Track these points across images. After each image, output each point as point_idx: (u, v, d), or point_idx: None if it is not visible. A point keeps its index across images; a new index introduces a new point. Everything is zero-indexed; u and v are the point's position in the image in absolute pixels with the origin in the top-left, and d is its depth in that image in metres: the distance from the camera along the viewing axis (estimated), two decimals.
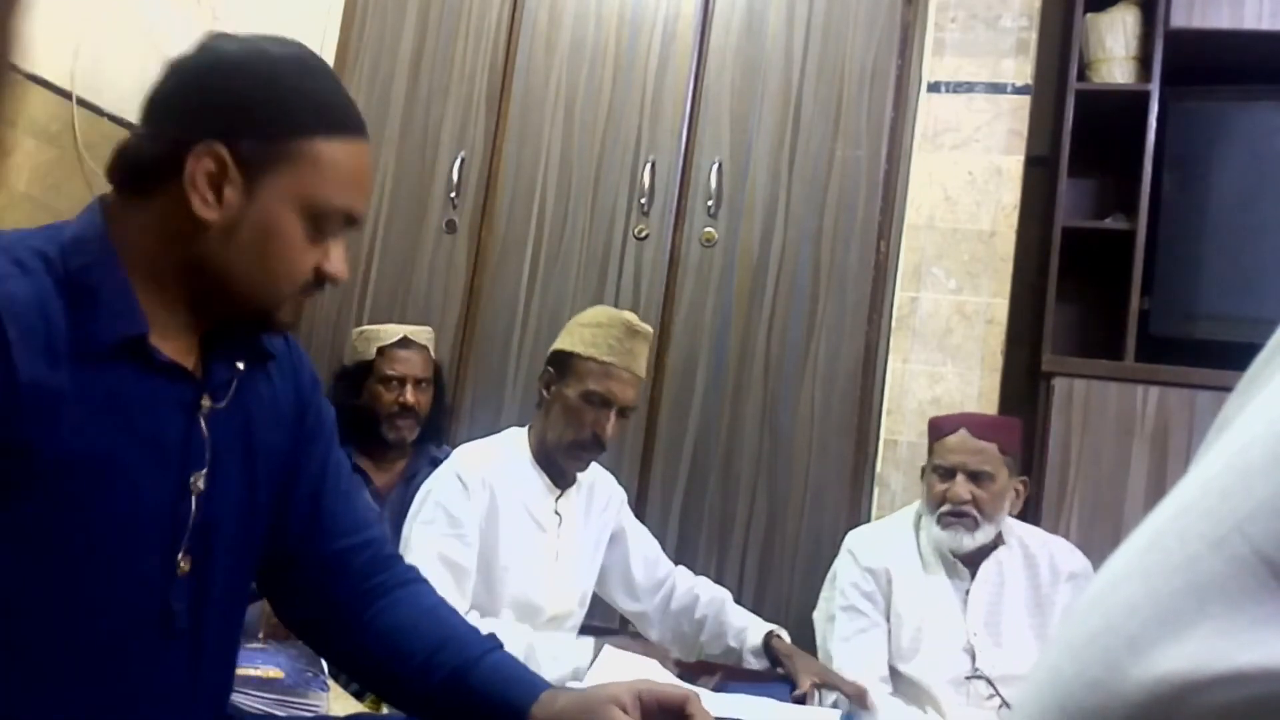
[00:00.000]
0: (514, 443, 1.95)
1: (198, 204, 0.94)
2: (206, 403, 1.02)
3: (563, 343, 1.91)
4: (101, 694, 0.96)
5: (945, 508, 2.02)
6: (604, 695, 1.06)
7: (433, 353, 2.55)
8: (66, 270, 0.93)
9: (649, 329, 1.92)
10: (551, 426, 1.88)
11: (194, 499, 1.00)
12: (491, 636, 1.14)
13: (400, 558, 1.22)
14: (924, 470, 2.17)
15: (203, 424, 1.01)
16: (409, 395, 2.42)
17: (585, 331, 1.88)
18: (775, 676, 1.82)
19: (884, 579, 2.07)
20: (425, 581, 1.21)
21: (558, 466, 1.91)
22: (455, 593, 1.75)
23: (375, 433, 2.43)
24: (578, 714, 1.03)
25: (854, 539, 2.18)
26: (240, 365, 1.05)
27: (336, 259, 1.02)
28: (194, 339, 1.03)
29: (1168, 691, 0.28)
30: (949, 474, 2.04)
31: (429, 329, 2.60)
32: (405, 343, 2.48)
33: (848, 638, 2.06)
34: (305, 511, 1.14)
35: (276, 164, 0.95)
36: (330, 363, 2.93)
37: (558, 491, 1.93)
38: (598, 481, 2.04)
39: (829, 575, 2.27)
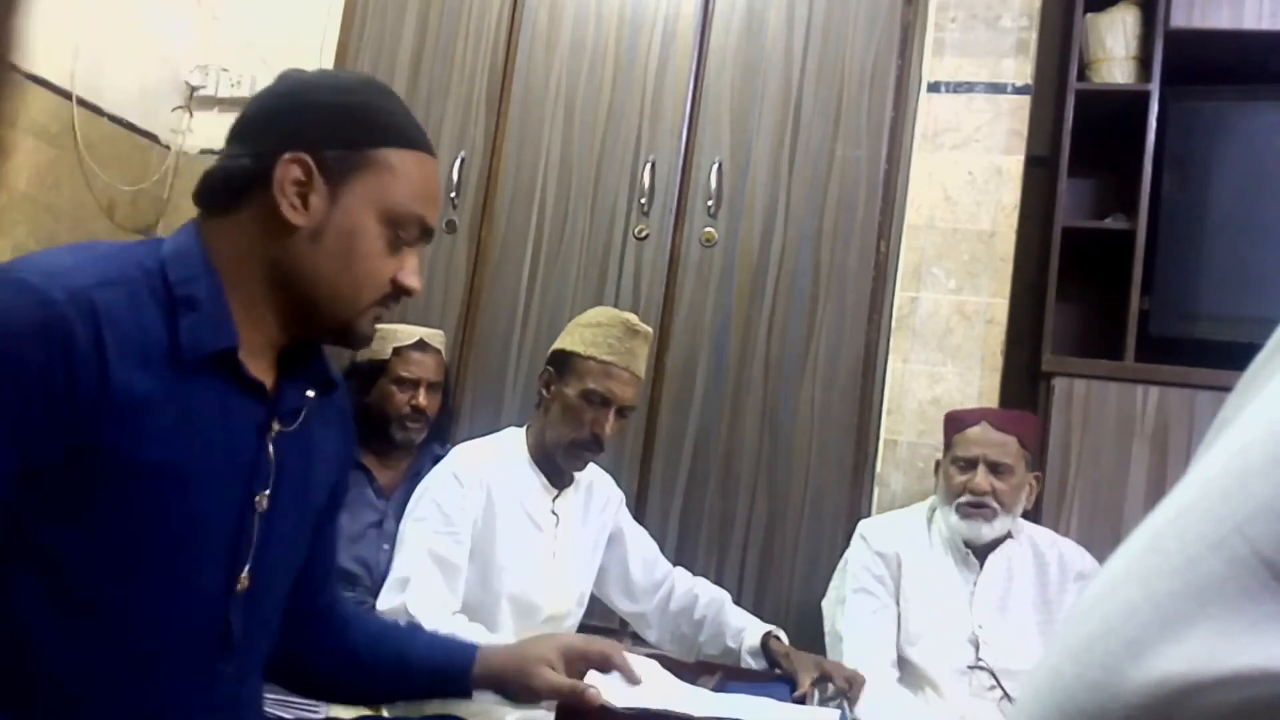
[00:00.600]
0: (511, 442, 1.95)
1: (286, 209, 0.99)
2: (276, 425, 1.05)
3: (562, 343, 1.91)
4: (157, 704, 0.97)
5: (965, 498, 2.04)
6: (533, 654, 1.20)
7: (444, 356, 2.55)
8: (166, 282, 0.97)
9: (648, 329, 1.92)
10: (551, 426, 1.88)
11: (257, 517, 1.03)
12: (411, 623, 1.32)
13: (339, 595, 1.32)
14: (937, 465, 2.18)
15: (270, 445, 1.04)
16: (421, 398, 2.42)
17: (585, 331, 1.88)
18: (775, 676, 1.82)
19: (894, 563, 2.10)
20: (341, 605, 1.31)
21: (555, 466, 1.92)
22: (445, 589, 1.75)
23: (383, 431, 2.43)
24: (513, 671, 1.18)
25: (866, 525, 2.21)
26: (310, 394, 1.09)
27: (411, 270, 1.06)
28: (273, 360, 1.06)
29: (1167, 693, 0.28)
30: (970, 465, 2.06)
31: (442, 333, 2.60)
32: (421, 345, 2.47)
33: (859, 620, 2.08)
34: (323, 565, 1.22)
35: (358, 171, 1.01)
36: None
37: (555, 491, 1.93)
38: (596, 482, 2.05)
39: (840, 563, 2.29)
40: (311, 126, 1.01)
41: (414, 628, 1.30)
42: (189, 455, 0.96)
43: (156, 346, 0.94)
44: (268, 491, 1.04)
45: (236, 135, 1.05)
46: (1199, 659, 0.27)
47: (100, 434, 0.90)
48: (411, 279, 1.06)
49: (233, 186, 1.02)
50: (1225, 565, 0.28)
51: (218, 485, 0.99)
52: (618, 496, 2.09)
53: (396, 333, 2.49)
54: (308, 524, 1.14)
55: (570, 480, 1.96)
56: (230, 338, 0.99)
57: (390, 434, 2.42)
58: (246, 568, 1.02)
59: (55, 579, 0.92)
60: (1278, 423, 0.29)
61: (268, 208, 1.00)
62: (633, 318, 1.89)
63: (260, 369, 1.03)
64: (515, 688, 1.21)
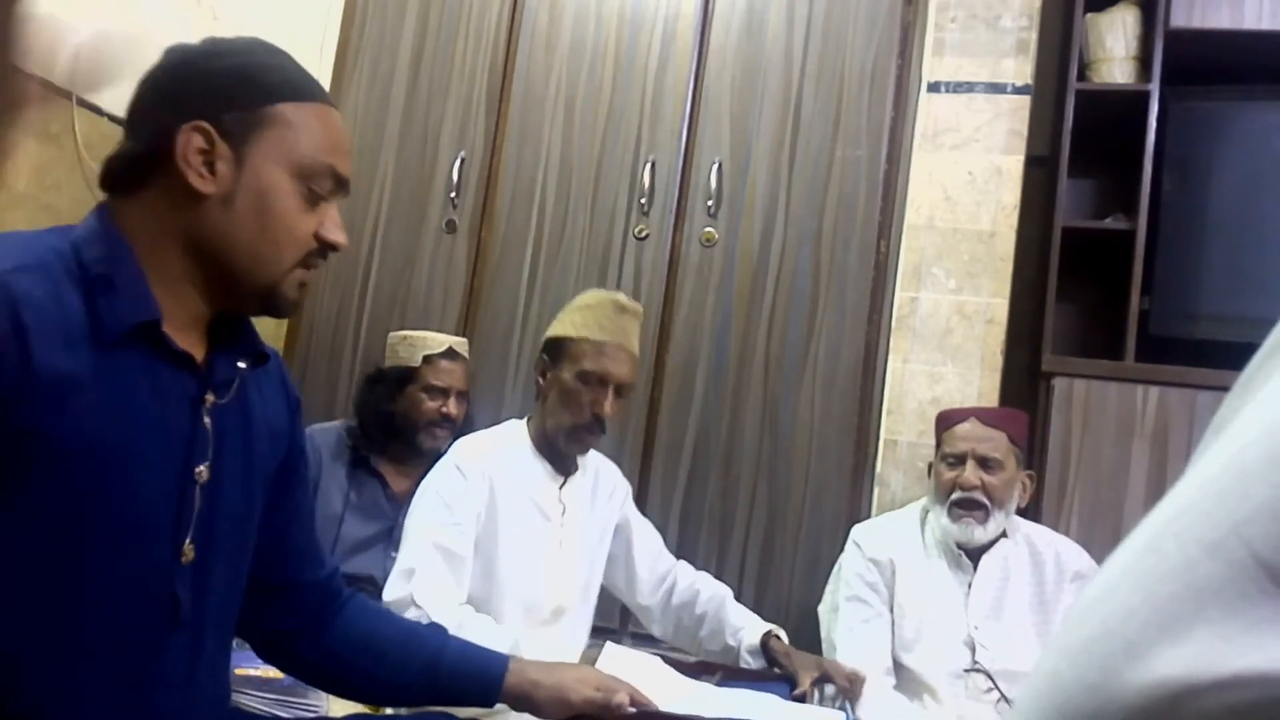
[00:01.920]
0: (514, 433, 1.95)
1: (194, 178, 0.99)
2: (210, 397, 1.04)
3: (554, 329, 1.92)
4: (107, 679, 0.98)
5: (956, 495, 2.03)
6: (573, 675, 1.29)
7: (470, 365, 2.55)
8: (80, 263, 0.97)
9: (638, 306, 1.93)
10: (551, 413, 1.88)
11: (198, 489, 1.03)
12: (435, 625, 1.34)
13: (343, 578, 1.33)
14: (930, 466, 2.18)
15: (206, 417, 1.04)
16: (451, 406, 2.41)
17: (575, 315, 1.89)
18: (775, 676, 1.82)
19: (888, 570, 2.09)
20: (362, 594, 1.33)
21: (559, 453, 1.91)
22: (451, 581, 1.75)
23: (406, 438, 2.42)
24: (549, 686, 1.25)
25: (859, 531, 2.20)
26: (242, 365, 1.09)
27: (332, 224, 1.06)
28: (201, 333, 1.06)
29: (1165, 695, 0.28)
30: (959, 461, 2.05)
31: (467, 340, 2.59)
32: (451, 354, 2.46)
33: (852, 628, 2.07)
34: (298, 537, 1.23)
35: (258, 131, 1.01)
36: (329, 362, 2.94)
37: (561, 479, 1.93)
38: (602, 470, 2.04)
39: (835, 568, 2.29)
40: (205, 94, 1.00)
41: (445, 632, 1.32)
42: (121, 432, 0.96)
43: (78, 326, 0.94)
44: (207, 463, 1.04)
45: (132, 117, 1.04)
46: (1197, 661, 0.27)
47: (28, 418, 0.90)
48: (335, 233, 1.06)
49: (136, 167, 1.01)
50: (1223, 567, 0.28)
51: (154, 459, 0.99)
52: (624, 487, 2.08)
53: (426, 340, 2.48)
54: (256, 494, 1.14)
55: (575, 467, 1.95)
56: (151, 311, 0.98)
57: (416, 441, 2.41)
58: (189, 539, 1.02)
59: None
60: (1274, 424, 0.29)
61: (175, 181, 0.99)
62: (621, 296, 1.90)
63: (188, 342, 1.03)
64: (545, 700, 1.26)
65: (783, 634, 1.93)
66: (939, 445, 2.13)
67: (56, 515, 0.93)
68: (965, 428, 2.08)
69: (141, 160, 1.01)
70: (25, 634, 0.93)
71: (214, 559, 1.06)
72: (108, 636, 0.97)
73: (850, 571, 2.14)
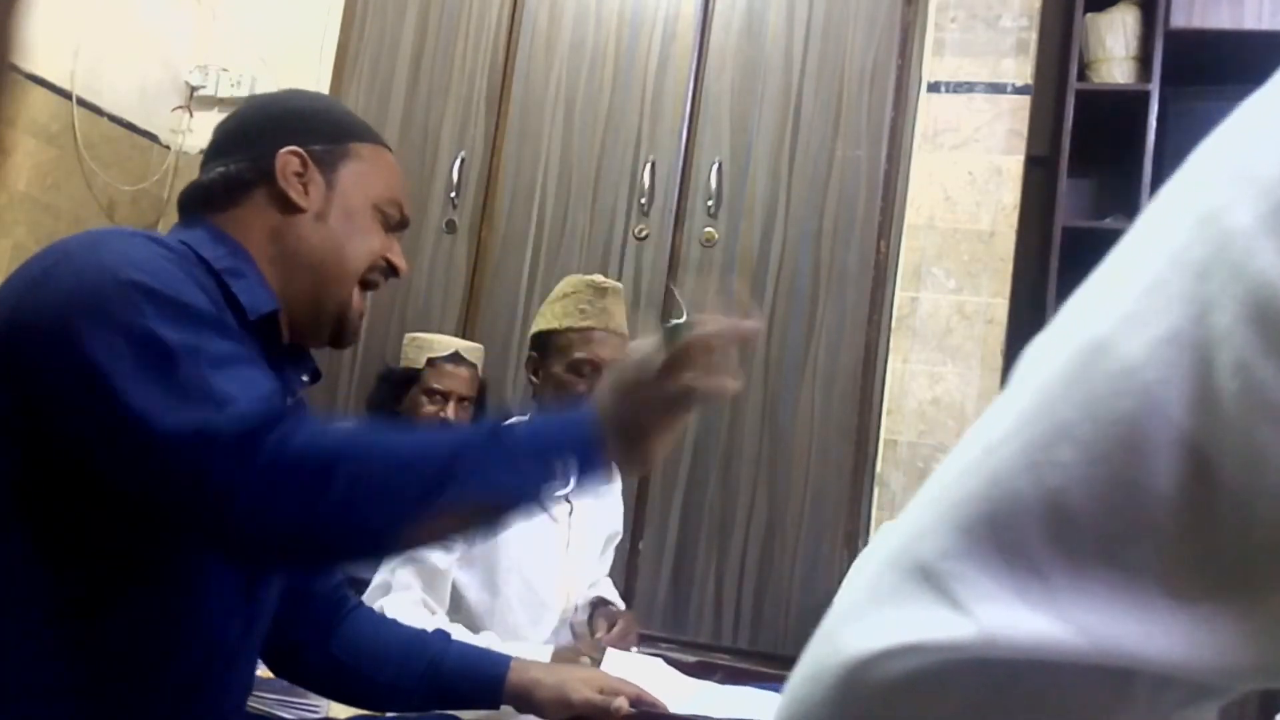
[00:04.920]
0: None
1: (295, 194, 1.09)
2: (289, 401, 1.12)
3: (538, 324, 1.89)
4: (178, 648, 1.02)
5: None
6: (576, 675, 1.32)
7: (480, 371, 2.49)
8: (201, 259, 1.03)
9: (617, 284, 1.90)
10: (549, 409, 1.86)
11: None
12: (440, 630, 1.36)
13: (349, 589, 1.38)
14: None
15: None
16: (450, 411, 2.36)
17: (555, 306, 1.87)
18: (776, 677, 1.82)
19: None
20: (365, 604, 1.38)
21: None
22: (423, 595, 1.71)
23: None
24: (550, 685, 1.29)
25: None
26: (305, 379, 1.18)
27: (398, 252, 1.17)
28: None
29: (849, 669, 0.36)
30: None
31: (481, 348, 2.54)
32: (456, 358, 2.41)
33: None
34: None
35: (343, 161, 1.13)
36: (329, 363, 2.93)
37: None
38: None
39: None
40: (297, 127, 1.12)
41: (448, 636, 1.35)
42: None
43: (227, 315, 1.02)
44: None
45: (224, 147, 1.13)
46: (868, 638, 0.36)
47: None
48: (401, 260, 1.17)
49: (231, 188, 1.10)
50: (894, 573, 0.37)
51: None
52: (619, 483, 2.08)
53: (433, 343, 2.44)
54: None
55: None
56: (272, 301, 1.07)
57: None
58: None
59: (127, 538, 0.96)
60: (944, 471, 0.38)
61: (270, 199, 1.09)
62: (598, 277, 1.87)
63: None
64: (546, 700, 1.29)
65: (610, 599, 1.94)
66: None
67: None
68: None
69: (236, 183, 1.10)
70: (140, 611, 0.97)
71: None
72: (202, 615, 1.02)
73: None
